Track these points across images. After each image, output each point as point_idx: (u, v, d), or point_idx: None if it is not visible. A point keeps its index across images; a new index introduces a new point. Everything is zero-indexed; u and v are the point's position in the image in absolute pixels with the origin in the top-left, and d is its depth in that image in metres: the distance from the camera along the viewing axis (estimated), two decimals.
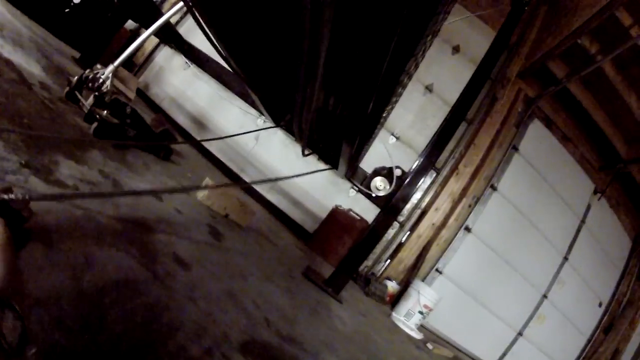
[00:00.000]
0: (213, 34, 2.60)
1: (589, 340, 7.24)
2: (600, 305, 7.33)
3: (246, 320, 2.03)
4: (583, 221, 7.04)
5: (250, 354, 1.74)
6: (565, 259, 6.85)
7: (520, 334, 6.59)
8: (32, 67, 3.26)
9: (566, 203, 6.87)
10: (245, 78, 3.10)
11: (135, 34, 6.66)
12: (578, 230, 7.00)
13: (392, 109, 2.68)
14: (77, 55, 5.05)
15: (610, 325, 7.25)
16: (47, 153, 2.04)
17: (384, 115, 2.35)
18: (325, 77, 2.15)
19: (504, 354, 6.54)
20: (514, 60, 6.22)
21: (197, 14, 2.36)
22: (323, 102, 2.88)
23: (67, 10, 4.74)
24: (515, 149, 6.55)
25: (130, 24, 6.20)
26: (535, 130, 6.69)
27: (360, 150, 3.26)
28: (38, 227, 1.44)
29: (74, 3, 4.75)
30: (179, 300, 1.72)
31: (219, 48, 2.72)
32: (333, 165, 4.04)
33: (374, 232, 4.12)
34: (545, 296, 6.71)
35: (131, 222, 2.13)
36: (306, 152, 4.09)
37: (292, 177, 3.53)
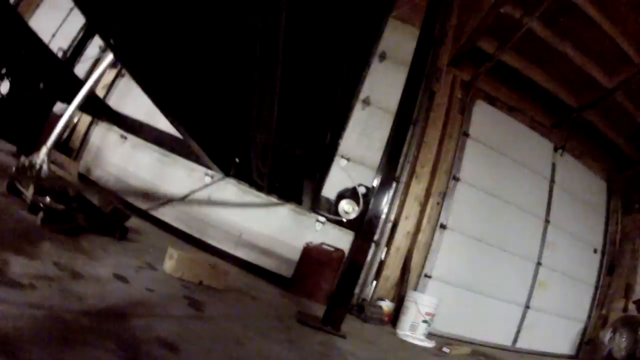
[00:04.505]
0: (145, 88, 2.44)
1: (596, 287, 7.31)
2: (595, 251, 7.42)
3: None
4: (552, 181, 7.07)
5: None
6: (547, 221, 6.86)
7: (527, 306, 6.59)
8: None
9: (531, 170, 6.89)
10: (184, 129, 2.93)
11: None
12: (550, 191, 7.03)
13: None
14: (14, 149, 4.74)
15: (612, 265, 7.33)
16: None
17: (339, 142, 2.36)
18: (279, 110, 2.08)
19: (519, 331, 6.50)
20: (442, 51, 6.06)
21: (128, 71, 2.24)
22: (279, 141, 2.78)
23: None
24: (466, 134, 6.53)
25: (60, 109, 5.90)
26: (481, 111, 6.74)
27: (323, 181, 3.20)
28: None
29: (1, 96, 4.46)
30: None
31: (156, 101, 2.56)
32: (295, 201, 3.88)
33: (357, 256, 3.91)
34: (539, 263, 6.72)
35: (101, 313, 1.88)
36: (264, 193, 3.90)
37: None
